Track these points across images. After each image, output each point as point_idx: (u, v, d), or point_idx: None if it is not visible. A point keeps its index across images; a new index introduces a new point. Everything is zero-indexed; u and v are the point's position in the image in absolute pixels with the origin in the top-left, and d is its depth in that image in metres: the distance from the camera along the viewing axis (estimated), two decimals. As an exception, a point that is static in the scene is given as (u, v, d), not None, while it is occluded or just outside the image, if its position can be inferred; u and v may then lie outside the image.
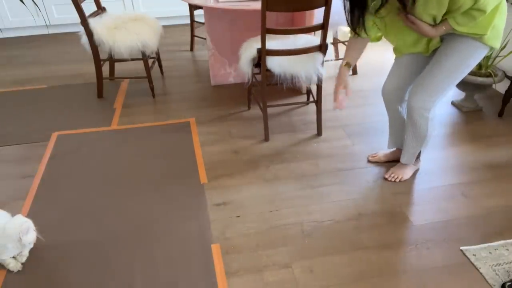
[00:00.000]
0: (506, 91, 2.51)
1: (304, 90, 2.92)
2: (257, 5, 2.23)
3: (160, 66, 3.22)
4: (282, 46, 2.17)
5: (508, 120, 2.54)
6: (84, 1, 2.59)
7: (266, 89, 2.26)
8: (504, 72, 2.57)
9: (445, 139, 2.37)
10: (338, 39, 3.26)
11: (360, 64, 3.33)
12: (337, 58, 3.32)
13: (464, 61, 1.64)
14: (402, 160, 2.01)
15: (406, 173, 2.04)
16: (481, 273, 1.54)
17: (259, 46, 2.10)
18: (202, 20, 3.87)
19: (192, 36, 3.66)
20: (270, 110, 2.69)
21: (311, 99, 2.71)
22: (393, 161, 2.15)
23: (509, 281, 1.47)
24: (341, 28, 3.87)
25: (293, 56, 2.20)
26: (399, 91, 1.88)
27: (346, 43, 3.13)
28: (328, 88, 2.96)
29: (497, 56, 2.59)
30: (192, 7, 3.49)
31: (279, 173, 2.11)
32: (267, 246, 1.68)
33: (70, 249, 1.67)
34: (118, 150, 2.30)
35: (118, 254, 1.65)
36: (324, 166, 2.16)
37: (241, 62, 2.34)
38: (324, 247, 1.67)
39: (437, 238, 1.70)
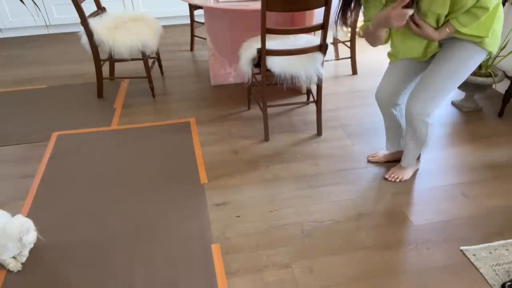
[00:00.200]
0: (506, 91, 2.51)
1: (304, 90, 2.92)
2: (257, 5, 2.23)
3: (160, 66, 3.22)
4: (282, 46, 2.17)
5: (508, 120, 2.54)
6: (84, 1, 2.59)
7: (266, 89, 2.26)
8: (504, 72, 2.57)
9: (445, 139, 2.37)
10: (338, 39, 3.26)
11: (360, 64, 3.33)
12: (337, 58, 3.33)
13: (464, 64, 1.63)
14: (403, 163, 2.02)
15: (406, 173, 2.04)
16: (481, 273, 1.54)
17: (259, 46, 2.10)
18: (202, 20, 3.87)
19: (192, 36, 3.66)
20: (270, 110, 2.69)
21: (311, 99, 2.71)
22: (393, 161, 2.15)
23: (509, 281, 1.47)
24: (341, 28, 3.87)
25: (293, 56, 2.20)
26: (393, 96, 1.87)
27: (346, 43, 3.16)
28: (328, 88, 2.96)
29: (497, 56, 2.59)
30: (192, 7, 3.49)
31: (279, 173, 2.11)
32: (267, 246, 1.68)
33: (70, 249, 1.67)
34: (118, 150, 2.30)
35: (118, 254, 1.65)
36: (324, 166, 2.16)
37: (241, 62, 2.34)
38: (324, 247, 1.67)
39: (437, 238, 1.70)
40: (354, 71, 3.19)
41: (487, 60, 2.51)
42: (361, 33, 1.77)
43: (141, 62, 3.44)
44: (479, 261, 1.59)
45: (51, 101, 2.86)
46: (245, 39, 2.51)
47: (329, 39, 2.50)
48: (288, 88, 2.97)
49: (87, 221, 1.81)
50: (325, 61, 2.24)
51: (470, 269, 1.57)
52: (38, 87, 3.07)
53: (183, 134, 2.44)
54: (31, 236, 1.52)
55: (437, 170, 2.11)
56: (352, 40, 3.07)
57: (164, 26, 4.15)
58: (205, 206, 1.89)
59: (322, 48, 2.18)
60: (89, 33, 2.56)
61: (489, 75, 2.48)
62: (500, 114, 2.58)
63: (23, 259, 1.60)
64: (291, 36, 2.39)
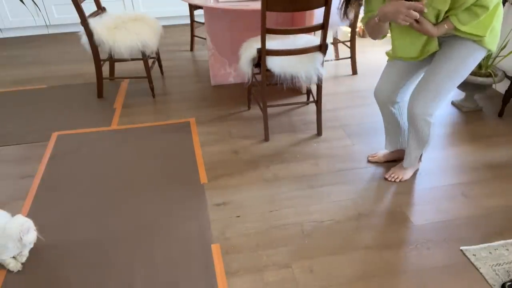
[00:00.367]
0: (506, 91, 2.51)
1: (304, 90, 2.92)
2: (257, 5, 2.23)
3: (160, 66, 3.22)
4: (282, 46, 2.17)
5: (508, 120, 2.54)
6: (84, 1, 2.59)
7: (266, 89, 2.26)
8: (504, 72, 2.57)
9: (445, 139, 2.37)
10: (338, 39, 3.26)
11: (360, 64, 3.33)
12: (337, 58, 3.33)
13: (463, 62, 1.63)
14: (405, 164, 2.01)
15: (406, 173, 2.04)
16: (481, 273, 1.54)
17: (259, 46, 2.10)
18: (202, 20, 3.87)
19: (192, 36, 3.66)
20: (270, 110, 2.69)
21: (311, 99, 2.71)
22: (392, 161, 2.15)
23: (509, 281, 1.47)
24: (341, 28, 3.88)
25: (293, 56, 2.20)
26: (391, 94, 1.88)
27: (346, 43, 3.16)
28: (328, 88, 2.96)
29: (497, 56, 2.59)
30: (192, 7, 3.49)
31: (279, 173, 2.11)
32: (267, 246, 1.68)
33: (70, 249, 1.67)
34: (118, 150, 2.30)
35: (118, 254, 1.65)
36: (324, 166, 2.16)
37: (241, 62, 2.34)
38: (324, 247, 1.67)
39: (437, 238, 1.70)
40: (354, 71, 3.19)
41: (487, 60, 2.51)
42: (362, 25, 1.76)
43: (141, 62, 3.44)
44: (479, 261, 1.59)
45: (51, 101, 2.86)
46: (245, 39, 2.51)
47: (329, 39, 2.50)
48: (288, 88, 2.97)
49: (87, 221, 1.81)
50: (325, 61, 2.24)
51: (470, 269, 1.57)
52: (38, 87, 3.07)
53: (183, 134, 2.44)
54: (31, 236, 1.52)
55: (437, 170, 2.11)
56: (352, 40, 3.07)
57: (164, 26, 4.15)
58: (205, 206, 1.89)
59: (322, 48, 2.18)
60: (89, 33, 2.56)
61: (489, 75, 2.48)
62: (500, 114, 2.58)
63: (23, 259, 1.60)
64: (291, 36, 2.39)
